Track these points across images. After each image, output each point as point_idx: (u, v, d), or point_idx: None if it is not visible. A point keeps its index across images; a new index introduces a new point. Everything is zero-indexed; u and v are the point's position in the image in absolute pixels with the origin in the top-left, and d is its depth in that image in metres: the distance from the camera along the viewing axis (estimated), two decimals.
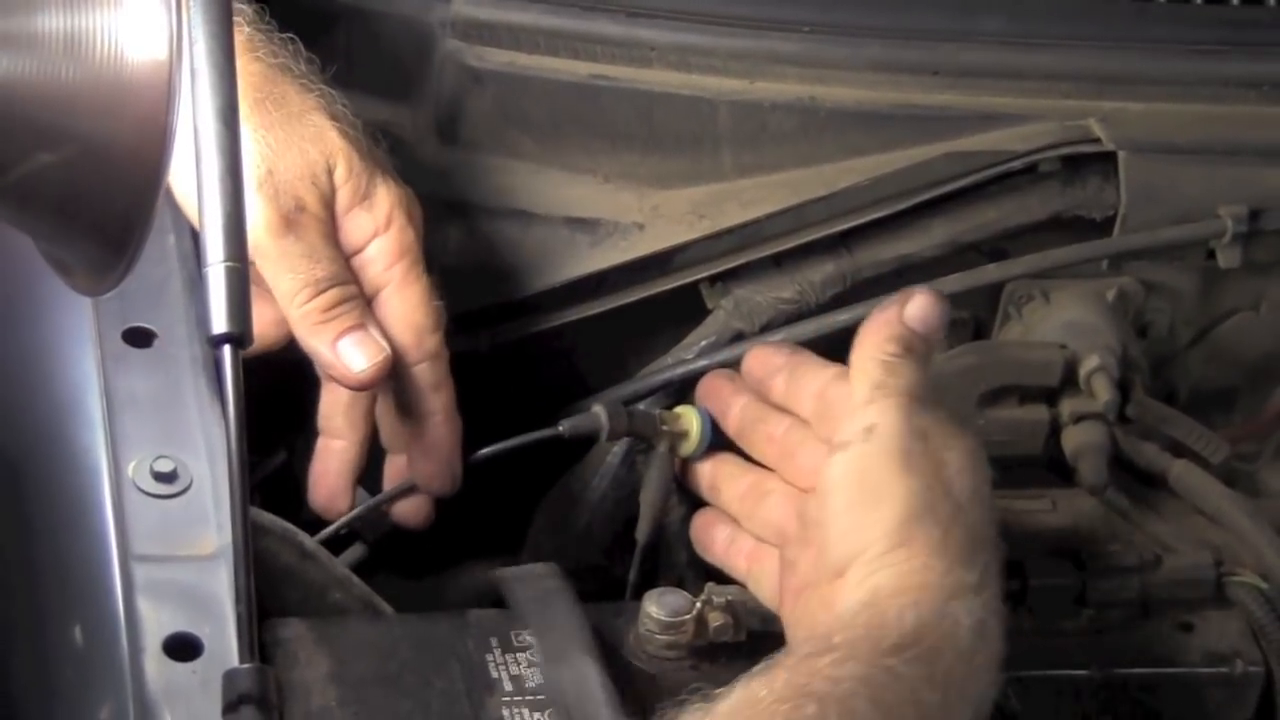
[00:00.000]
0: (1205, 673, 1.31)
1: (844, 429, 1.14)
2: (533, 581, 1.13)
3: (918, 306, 1.17)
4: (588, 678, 1.07)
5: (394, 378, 1.23)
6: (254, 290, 1.22)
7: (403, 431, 1.27)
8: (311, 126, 1.21)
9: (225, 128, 1.04)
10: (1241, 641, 1.31)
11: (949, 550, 1.09)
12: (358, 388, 1.22)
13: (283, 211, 1.19)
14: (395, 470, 1.28)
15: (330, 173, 1.21)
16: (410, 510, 1.27)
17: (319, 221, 1.20)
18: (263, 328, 1.23)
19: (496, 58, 1.34)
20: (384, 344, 1.21)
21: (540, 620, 1.10)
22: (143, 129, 0.88)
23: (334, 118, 1.22)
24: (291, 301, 1.20)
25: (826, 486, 1.13)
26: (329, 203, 1.21)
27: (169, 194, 1.15)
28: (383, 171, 1.23)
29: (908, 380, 1.15)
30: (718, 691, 1.01)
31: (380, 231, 1.22)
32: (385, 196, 1.22)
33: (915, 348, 1.16)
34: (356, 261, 1.22)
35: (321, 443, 1.27)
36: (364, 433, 1.27)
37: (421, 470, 1.26)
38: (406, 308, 1.23)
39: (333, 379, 1.23)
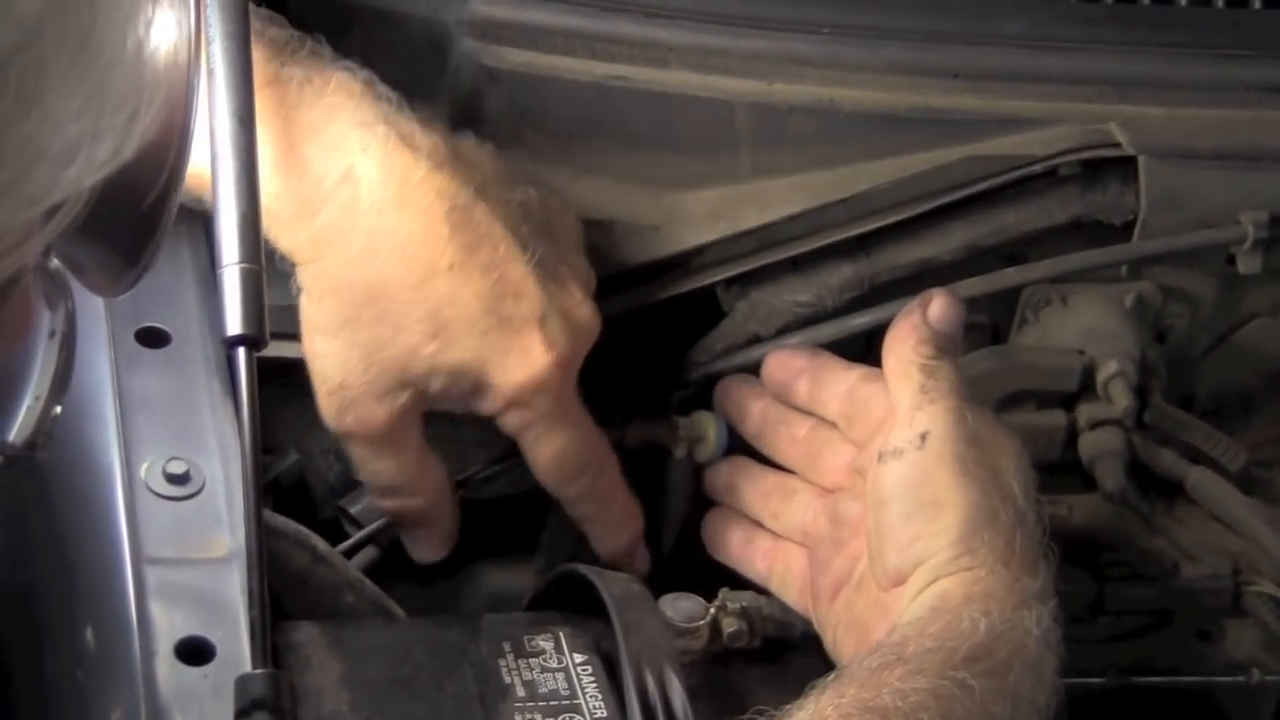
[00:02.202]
0: (1222, 682, 1.30)
1: (895, 436, 1.14)
2: (618, 582, 1.12)
3: (940, 308, 1.18)
4: (671, 685, 1.06)
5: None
6: None
7: None
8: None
9: (241, 127, 1.04)
10: (1259, 651, 1.31)
11: (1014, 557, 1.09)
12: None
13: (343, 428, 1.17)
14: None
15: (414, 387, 1.16)
16: None
17: (387, 434, 1.17)
18: None
19: (513, 58, 1.33)
20: (447, 539, 1.23)
21: (625, 620, 1.09)
22: (160, 129, 0.88)
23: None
24: None
25: (882, 495, 1.13)
26: (408, 409, 1.16)
27: (185, 194, 1.14)
28: (493, 337, 1.15)
29: (951, 383, 1.15)
30: (785, 708, 1.00)
31: (501, 413, 1.18)
32: (498, 389, 1.16)
33: (947, 349, 1.16)
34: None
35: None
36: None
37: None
38: (539, 467, 1.21)
39: None
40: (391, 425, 1.16)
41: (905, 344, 1.17)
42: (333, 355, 1.15)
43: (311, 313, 1.16)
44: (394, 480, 1.20)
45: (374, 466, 1.19)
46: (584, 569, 1.14)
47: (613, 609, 1.09)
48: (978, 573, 1.08)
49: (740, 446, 1.26)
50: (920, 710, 0.99)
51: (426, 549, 1.24)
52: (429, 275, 1.14)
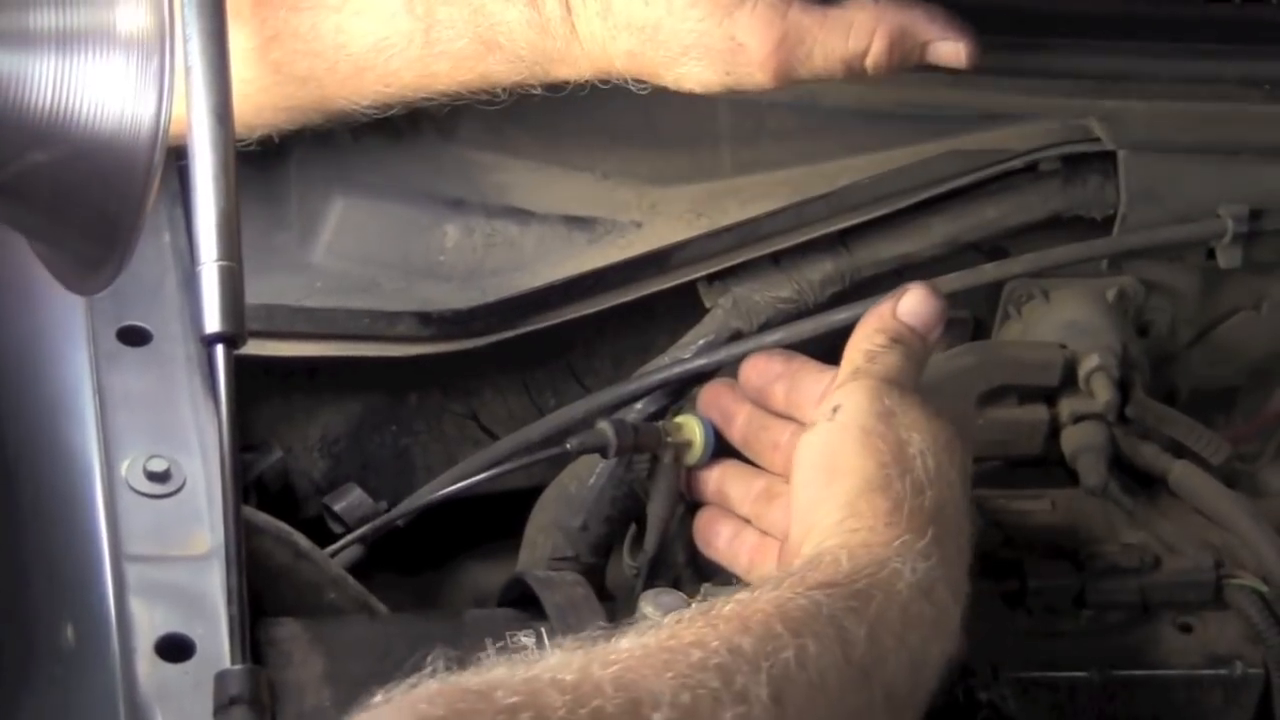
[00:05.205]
0: (1204, 675, 1.30)
1: (816, 411, 1.15)
2: (561, 587, 1.13)
3: (910, 300, 1.19)
4: None
5: None
6: None
7: None
8: None
9: (219, 124, 1.04)
10: (1241, 644, 1.31)
11: (899, 521, 1.10)
12: None
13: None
14: None
15: None
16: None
17: None
18: None
19: None
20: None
21: (565, 626, 1.09)
22: (129, 123, 0.88)
23: None
24: None
25: (794, 465, 1.15)
26: None
27: (162, 191, 1.15)
28: None
29: (885, 366, 1.16)
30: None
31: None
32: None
33: (904, 339, 1.17)
34: None
35: None
36: None
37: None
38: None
39: None
40: None
41: (863, 331, 1.19)
42: None
43: None
44: None
45: None
46: (529, 576, 1.15)
47: (552, 614, 1.10)
48: (859, 532, 1.09)
49: (724, 448, 1.27)
50: (753, 615, 1.00)
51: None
52: None
